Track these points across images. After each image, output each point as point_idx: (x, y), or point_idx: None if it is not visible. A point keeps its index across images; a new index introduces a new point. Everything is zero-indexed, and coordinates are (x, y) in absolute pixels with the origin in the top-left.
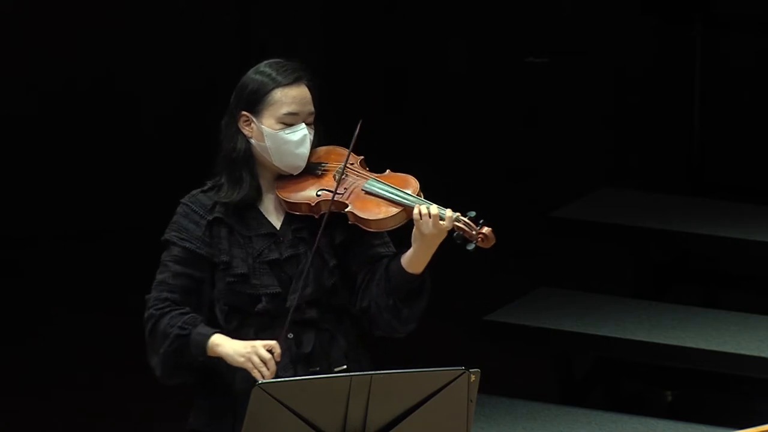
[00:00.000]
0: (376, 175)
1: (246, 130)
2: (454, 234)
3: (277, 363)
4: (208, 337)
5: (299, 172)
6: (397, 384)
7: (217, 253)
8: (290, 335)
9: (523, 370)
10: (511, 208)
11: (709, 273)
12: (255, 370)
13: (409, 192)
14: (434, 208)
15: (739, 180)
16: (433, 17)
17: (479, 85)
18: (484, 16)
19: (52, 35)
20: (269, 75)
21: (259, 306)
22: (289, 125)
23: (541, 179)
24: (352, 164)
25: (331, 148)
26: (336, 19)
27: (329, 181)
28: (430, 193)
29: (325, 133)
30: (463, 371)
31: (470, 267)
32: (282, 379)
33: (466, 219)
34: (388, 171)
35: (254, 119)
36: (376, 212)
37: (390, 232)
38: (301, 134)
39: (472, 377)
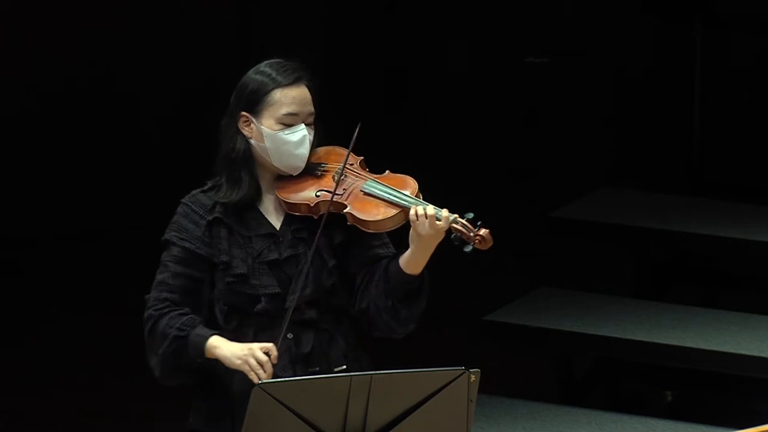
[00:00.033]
0: (375, 176)
1: (246, 131)
2: (452, 236)
3: (274, 365)
4: (206, 338)
5: (299, 172)
6: (397, 384)
7: (217, 254)
8: (290, 335)
9: (523, 370)
10: (511, 208)
11: (709, 273)
12: (252, 373)
13: (407, 193)
14: (431, 209)
15: (739, 180)
16: (433, 17)
17: (479, 85)
18: (484, 16)
19: (52, 35)
20: (269, 75)
21: (259, 306)
22: (288, 126)
23: (541, 179)
24: (351, 165)
25: (331, 148)
26: (336, 19)
27: (328, 182)
28: (430, 193)
29: (325, 133)
30: (463, 371)
31: (470, 267)
32: (282, 379)
33: (463, 221)
34: (387, 172)
35: (254, 120)
36: (375, 213)
37: (389, 233)
38: (301, 135)
39: (472, 377)
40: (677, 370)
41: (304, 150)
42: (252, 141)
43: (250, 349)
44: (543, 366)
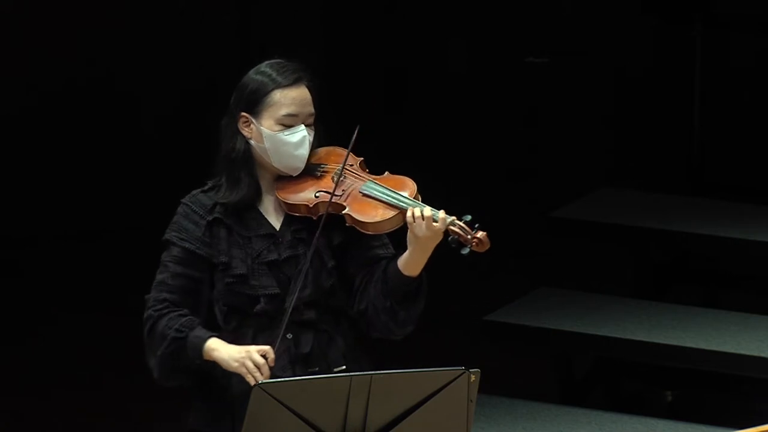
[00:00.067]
0: (374, 177)
1: (245, 131)
2: (449, 238)
3: (271, 368)
4: (205, 340)
5: (298, 173)
6: (397, 384)
7: (217, 254)
8: (289, 336)
9: (523, 370)
10: (511, 208)
11: (709, 273)
12: (249, 376)
13: (405, 194)
14: (427, 211)
15: (739, 180)
16: (433, 17)
17: (479, 85)
18: (484, 16)
19: (52, 35)
20: (269, 75)
21: (258, 307)
22: (288, 127)
23: (541, 179)
24: (351, 165)
25: (331, 149)
26: (336, 19)
27: (328, 183)
28: (429, 193)
29: (325, 133)
30: (463, 371)
31: (470, 267)
32: (282, 379)
33: (461, 223)
34: (386, 173)
35: (253, 120)
36: (373, 215)
37: (389, 234)
38: (300, 136)
39: (472, 377)
40: (677, 370)
41: (304, 151)
42: (252, 141)
43: (248, 351)
44: (543, 366)
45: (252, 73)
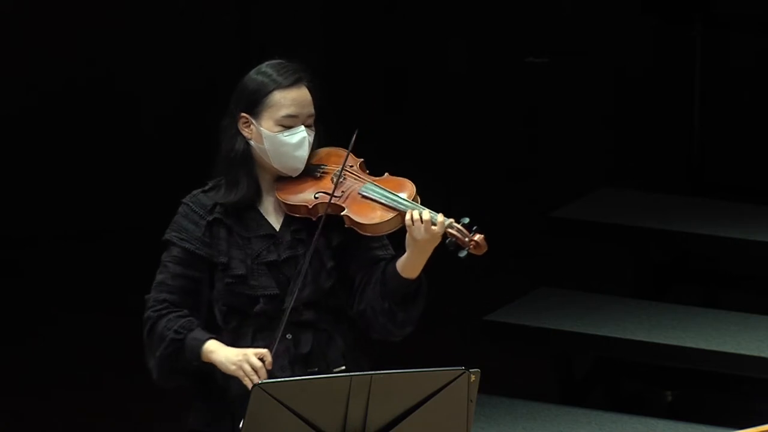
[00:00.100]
0: (373, 178)
1: (245, 132)
2: (447, 240)
3: (268, 370)
4: (203, 342)
5: (298, 174)
6: (397, 384)
7: (216, 254)
8: (288, 336)
9: (523, 370)
10: (511, 208)
11: (709, 273)
12: (246, 378)
13: (404, 196)
14: (426, 213)
15: (739, 180)
16: (433, 17)
17: (479, 85)
18: (484, 16)
19: (52, 35)
20: (269, 76)
21: (257, 307)
22: (287, 127)
23: (541, 179)
24: (351, 166)
25: (331, 149)
26: (336, 19)
27: (327, 184)
28: (429, 193)
29: (325, 133)
30: (463, 371)
31: (469, 267)
32: (282, 379)
33: (459, 226)
34: (386, 174)
35: (253, 121)
36: (371, 216)
37: (389, 235)
38: (300, 137)
39: (472, 377)
40: (677, 370)
41: (303, 152)
42: (251, 142)
43: (245, 354)
44: (543, 366)
45: (252, 74)
